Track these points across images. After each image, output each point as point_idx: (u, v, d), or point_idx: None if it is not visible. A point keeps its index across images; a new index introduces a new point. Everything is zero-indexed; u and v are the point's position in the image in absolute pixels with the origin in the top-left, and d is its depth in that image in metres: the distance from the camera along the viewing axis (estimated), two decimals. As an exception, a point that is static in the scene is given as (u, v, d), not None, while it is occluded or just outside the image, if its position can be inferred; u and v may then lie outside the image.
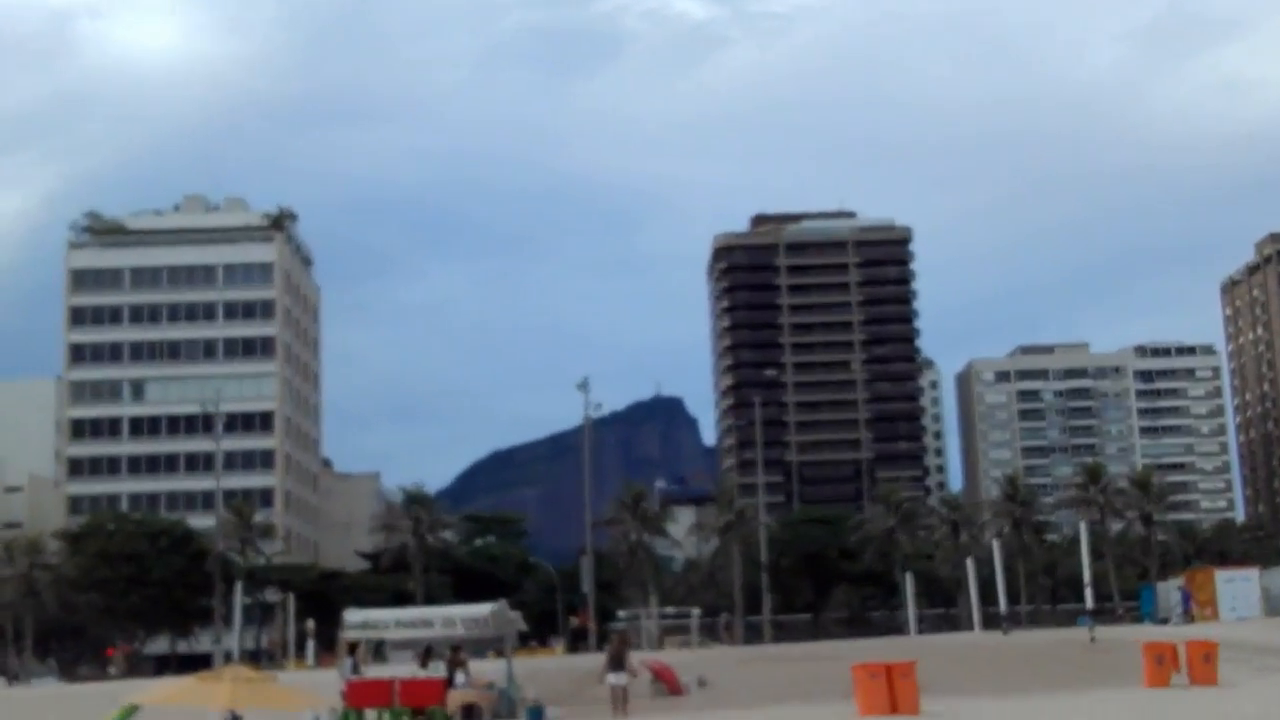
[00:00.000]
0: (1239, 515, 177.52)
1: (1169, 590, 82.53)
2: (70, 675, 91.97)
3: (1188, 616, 73.49)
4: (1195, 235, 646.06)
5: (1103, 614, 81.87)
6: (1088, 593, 60.43)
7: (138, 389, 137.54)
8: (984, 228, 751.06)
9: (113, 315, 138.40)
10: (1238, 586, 75.90)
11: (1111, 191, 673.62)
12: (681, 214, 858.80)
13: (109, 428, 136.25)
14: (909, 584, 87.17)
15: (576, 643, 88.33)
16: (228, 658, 77.62)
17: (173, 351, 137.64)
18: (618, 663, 28.44)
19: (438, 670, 33.36)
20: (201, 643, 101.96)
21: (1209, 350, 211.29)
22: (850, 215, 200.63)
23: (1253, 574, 79.13)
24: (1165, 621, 74.39)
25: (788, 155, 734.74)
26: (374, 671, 34.93)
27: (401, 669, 37.10)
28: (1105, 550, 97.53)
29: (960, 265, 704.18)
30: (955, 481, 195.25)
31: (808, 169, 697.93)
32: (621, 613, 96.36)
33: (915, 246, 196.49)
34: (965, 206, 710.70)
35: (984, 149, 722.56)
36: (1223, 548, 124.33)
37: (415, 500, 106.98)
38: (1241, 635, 47.75)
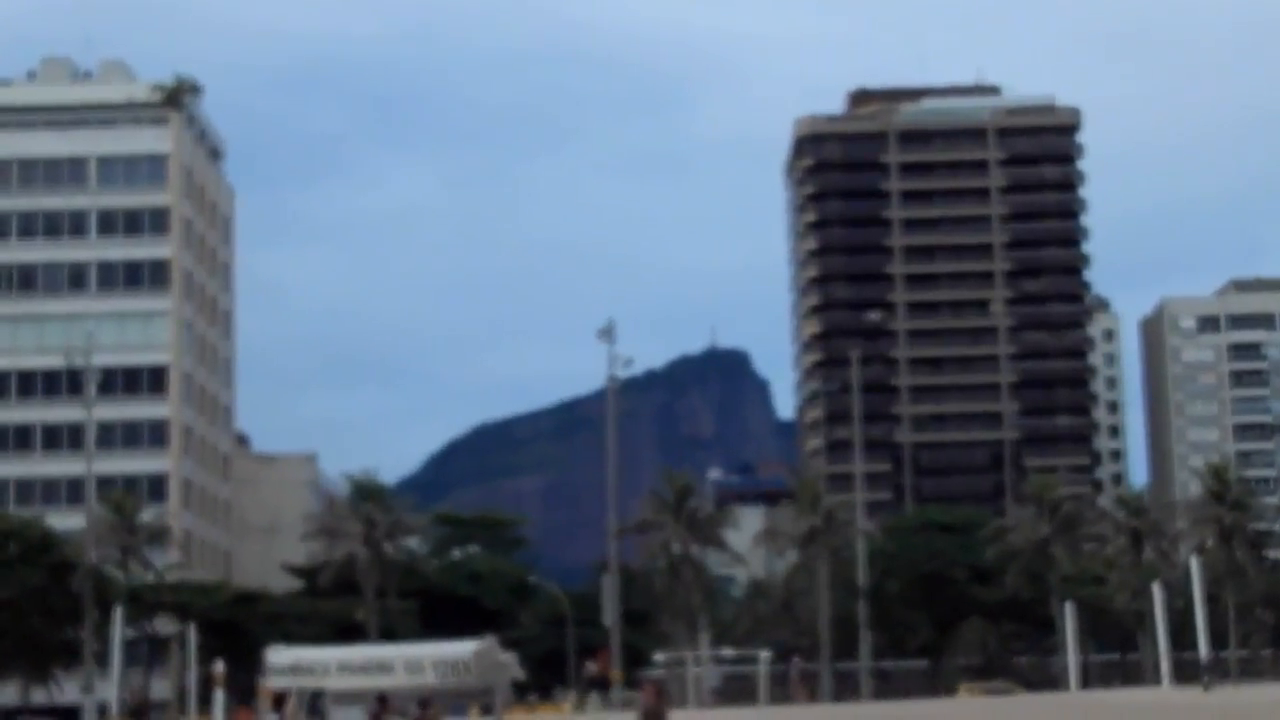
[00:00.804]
0: None
1: None
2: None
3: None
4: None
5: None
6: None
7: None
8: (1182, 110, 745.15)
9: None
10: None
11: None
12: (751, 86, 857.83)
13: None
14: (1069, 618, 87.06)
15: (594, 694, 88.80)
16: (102, 714, 78.42)
17: (25, 280, 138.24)
18: (656, 725, 28.41)
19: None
20: (66, 691, 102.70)
21: None
22: (992, 91, 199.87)
23: None
24: None
25: (903, 6, 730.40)
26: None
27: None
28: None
29: (1148, 163, 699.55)
30: (1138, 474, 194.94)
31: (931, 26, 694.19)
32: (659, 655, 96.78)
33: (1085, 136, 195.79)
34: (1155, 81, 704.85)
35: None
36: None
37: (367, 493, 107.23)
38: None
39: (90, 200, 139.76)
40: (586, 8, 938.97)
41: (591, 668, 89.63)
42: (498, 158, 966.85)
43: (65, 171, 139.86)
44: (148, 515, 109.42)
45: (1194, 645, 73.99)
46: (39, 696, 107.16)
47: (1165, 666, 76.65)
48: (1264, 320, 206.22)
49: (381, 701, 35.18)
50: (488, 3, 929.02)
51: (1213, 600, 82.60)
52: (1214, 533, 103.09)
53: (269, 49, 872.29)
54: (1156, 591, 77.88)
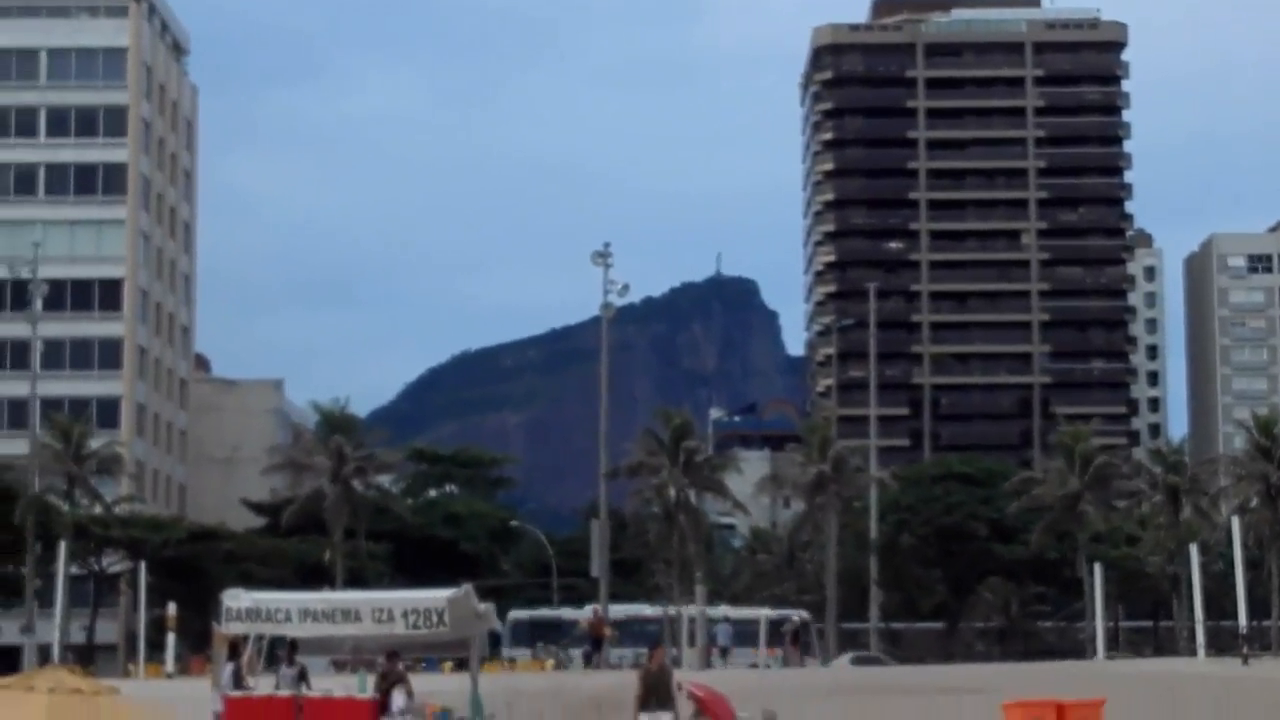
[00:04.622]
0: None
1: None
2: None
3: None
4: None
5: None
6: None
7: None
8: (1239, 31, 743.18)
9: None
10: None
11: None
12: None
13: None
14: (1098, 581, 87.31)
15: (588, 655, 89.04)
16: (44, 656, 78.67)
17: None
18: (658, 695, 28.32)
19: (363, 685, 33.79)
20: (5, 632, 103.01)
21: None
22: (1031, 2, 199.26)
23: None
24: None
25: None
26: (268, 684, 35.42)
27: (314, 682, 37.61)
28: None
29: (1200, 87, 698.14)
30: (1177, 425, 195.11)
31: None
32: (650, 609, 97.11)
33: (1131, 55, 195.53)
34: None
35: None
36: None
37: (336, 425, 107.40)
38: None
39: (39, 97, 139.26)
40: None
41: (585, 623, 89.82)
42: (490, 67, 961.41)
43: (12, 65, 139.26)
44: (97, 443, 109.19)
45: (1232, 613, 74.22)
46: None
47: (1200, 635, 76.81)
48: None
49: (393, 657, 35.22)
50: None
51: (1254, 565, 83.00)
52: (1259, 491, 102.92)
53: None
54: (1194, 554, 78.01)
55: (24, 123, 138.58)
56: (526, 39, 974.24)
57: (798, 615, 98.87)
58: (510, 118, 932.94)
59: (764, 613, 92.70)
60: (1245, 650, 68.75)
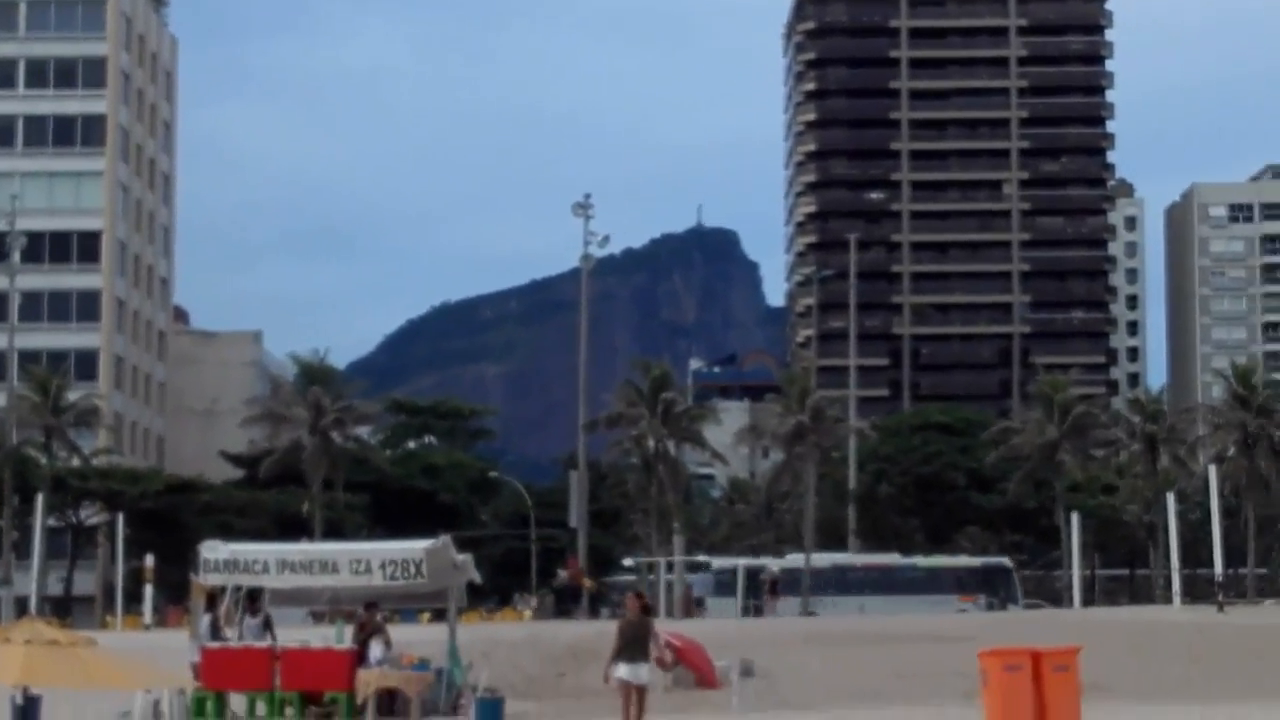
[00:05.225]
0: None
1: None
2: None
3: None
4: None
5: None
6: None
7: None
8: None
9: None
10: None
11: None
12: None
13: None
14: (1075, 530, 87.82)
15: (566, 605, 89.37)
16: (22, 608, 78.77)
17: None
18: (636, 646, 28.22)
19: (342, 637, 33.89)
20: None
21: None
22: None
23: None
24: None
25: None
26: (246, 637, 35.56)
27: (288, 634, 37.77)
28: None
29: (1183, 38, 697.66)
30: (1156, 375, 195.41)
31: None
32: (629, 560, 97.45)
33: (1114, 4, 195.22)
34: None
35: None
36: None
37: (316, 377, 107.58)
38: None
39: (17, 48, 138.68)
40: None
41: (563, 575, 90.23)
42: (474, 18, 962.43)
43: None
44: (75, 395, 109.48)
45: (1208, 562, 74.74)
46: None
47: (1176, 584, 77.39)
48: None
49: (371, 607, 35.37)
50: None
51: (1231, 514, 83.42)
52: (1236, 440, 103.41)
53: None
54: (1170, 502, 78.52)
55: (2, 74, 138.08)
56: (506, 10, 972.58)
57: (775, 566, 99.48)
58: (493, 69, 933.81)
59: (741, 562, 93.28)
60: (1221, 598, 69.24)
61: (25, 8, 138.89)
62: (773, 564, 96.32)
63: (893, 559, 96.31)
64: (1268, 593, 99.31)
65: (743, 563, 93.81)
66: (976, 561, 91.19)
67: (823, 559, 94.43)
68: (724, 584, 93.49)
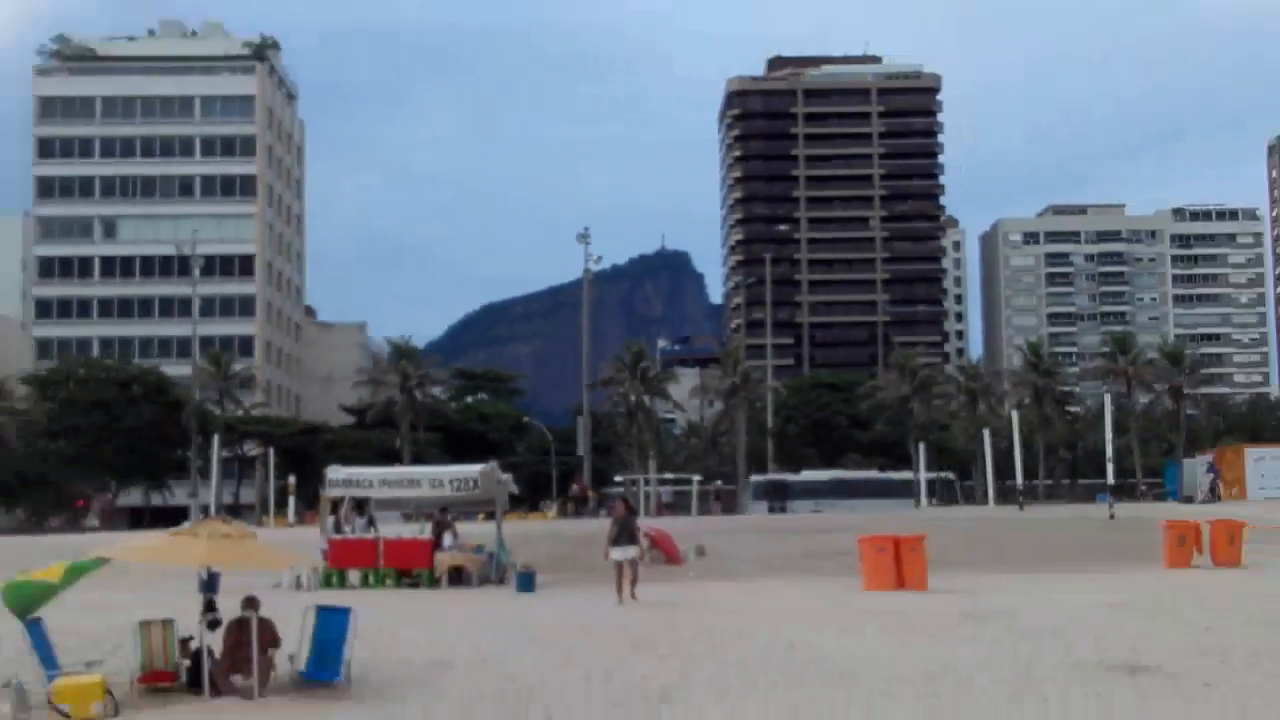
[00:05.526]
0: (1274, 390, 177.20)
1: (1196, 468, 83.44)
2: (39, 526, 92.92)
3: (1214, 495, 74.41)
4: (1243, 93, 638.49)
5: (1124, 491, 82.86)
6: (1109, 469, 60.79)
7: (109, 227, 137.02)
8: (1019, 78, 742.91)
9: (83, 148, 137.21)
10: (1269, 465, 76.66)
11: (1155, 47, 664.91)
12: (694, 56, 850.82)
13: (79, 268, 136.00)
14: (921, 455, 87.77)
15: (576, 510, 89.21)
16: (205, 512, 78.47)
17: (147, 188, 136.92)
18: (625, 535, 28.17)
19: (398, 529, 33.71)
20: (176, 496, 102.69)
21: (1251, 215, 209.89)
22: (875, 60, 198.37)
23: (1285, 453, 79.97)
24: (1190, 500, 75.36)
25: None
26: (358, 531, 35.38)
27: (387, 529, 37.57)
28: (1130, 425, 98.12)
29: (991, 118, 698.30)
30: (975, 349, 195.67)
31: (831, 9, 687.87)
32: (618, 477, 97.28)
33: (943, 96, 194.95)
34: (999, 55, 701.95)
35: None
36: (1255, 424, 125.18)
37: (403, 353, 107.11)
38: (1271, 516, 48.27)
39: (195, 129, 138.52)
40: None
41: (575, 488, 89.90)
42: (501, 105, 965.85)
43: (177, 106, 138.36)
44: (238, 366, 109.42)
45: (1013, 475, 74.69)
46: (156, 500, 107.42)
47: (991, 491, 77.40)
48: (1072, 236, 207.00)
49: (444, 511, 35.16)
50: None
51: (1027, 443, 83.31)
52: (1029, 394, 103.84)
53: (333, 13, 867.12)
54: (986, 436, 78.48)
55: (185, 146, 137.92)
56: (529, 90, 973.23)
57: (717, 484, 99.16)
58: (515, 144, 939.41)
59: (695, 479, 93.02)
60: (1021, 500, 69.24)
61: (199, 101, 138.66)
62: (789, 477, 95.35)
63: (872, 474, 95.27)
64: (1053, 497, 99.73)
65: (696, 479, 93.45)
66: (931, 475, 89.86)
67: (826, 474, 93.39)
68: (683, 493, 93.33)
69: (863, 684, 16.51)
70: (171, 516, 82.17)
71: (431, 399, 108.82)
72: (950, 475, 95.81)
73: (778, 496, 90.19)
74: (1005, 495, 79.24)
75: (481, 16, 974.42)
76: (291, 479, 79.11)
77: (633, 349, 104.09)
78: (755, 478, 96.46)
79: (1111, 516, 52.39)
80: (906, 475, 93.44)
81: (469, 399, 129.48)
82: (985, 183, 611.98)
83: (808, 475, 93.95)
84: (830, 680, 16.83)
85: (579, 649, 20.05)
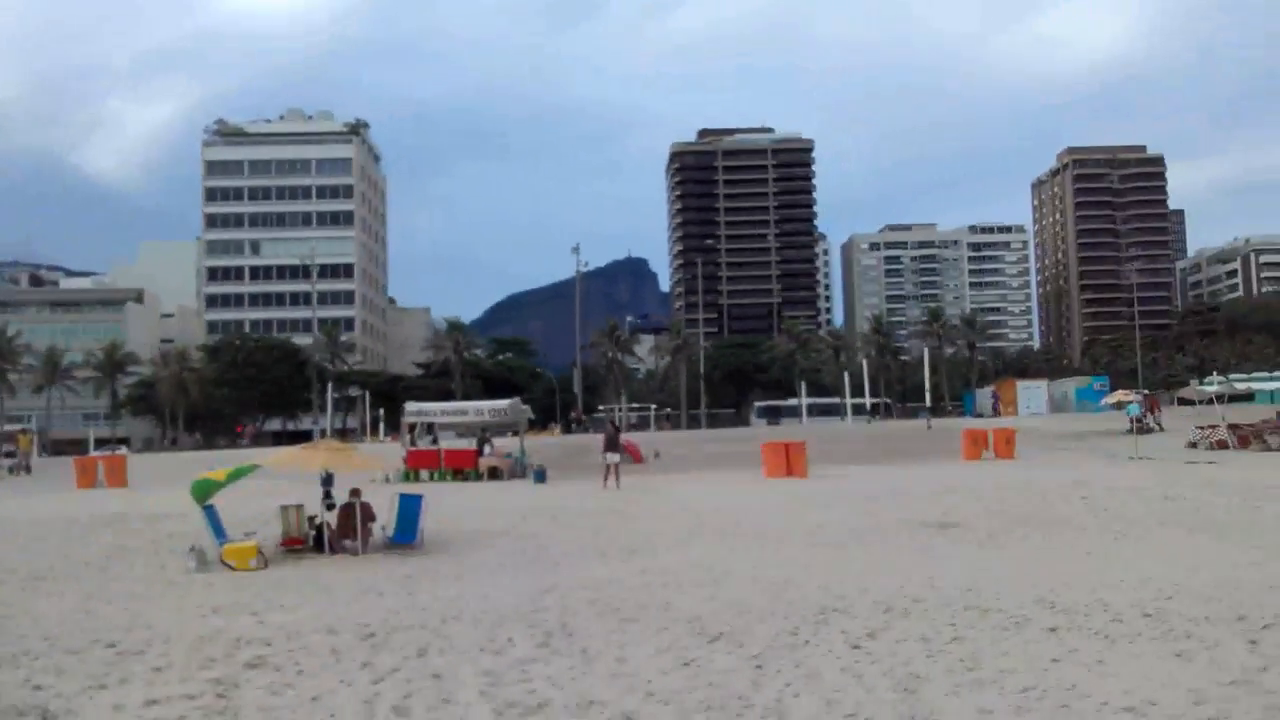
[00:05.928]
0: (1035, 344, 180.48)
1: (984, 395, 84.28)
2: (211, 445, 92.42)
3: (996, 413, 74.99)
4: (1015, 146, 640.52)
5: (938, 411, 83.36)
6: (927, 396, 61.32)
7: (255, 246, 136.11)
8: (867, 139, 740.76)
9: (236, 194, 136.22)
10: (1032, 392, 77.76)
11: (957, 115, 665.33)
12: (647, 130, 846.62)
13: (235, 273, 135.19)
14: (803, 390, 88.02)
15: (574, 428, 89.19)
16: (323, 434, 78.20)
17: (280, 220, 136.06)
18: (612, 444, 28.31)
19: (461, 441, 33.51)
20: (304, 423, 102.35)
21: (1020, 230, 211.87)
22: (769, 130, 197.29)
23: (1042, 384, 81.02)
24: (981, 416, 75.93)
25: (727, 85, 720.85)
26: (425, 444, 35.19)
27: (446, 442, 37.35)
28: (941, 367, 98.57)
29: (848, 167, 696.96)
30: (839, 319, 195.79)
31: (740, 96, 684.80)
32: (601, 407, 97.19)
33: (816, 153, 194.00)
34: (854, 126, 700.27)
35: (869, 81, 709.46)
36: (1023, 366, 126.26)
37: (455, 327, 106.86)
38: (1032, 425, 48.66)
39: (312, 180, 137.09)
40: (564, 94, 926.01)
41: (573, 414, 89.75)
42: (520, 165, 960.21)
43: (300, 166, 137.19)
44: (344, 338, 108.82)
45: (865, 402, 74.90)
46: (290, 426, 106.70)
47: (850, 411, 77.68)
48: (901, 245, 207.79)
49: (484, 430, 35.02)
50: (514, 91, 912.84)
51: (873, 380, 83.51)
52: (875, 348, 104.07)
53: (402, 105, 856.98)
54: (846, 377, 78.72)
55: (305, 192, 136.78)
56: (536, 149, 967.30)
57: (667, 410, 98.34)
58: (524, 193, 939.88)
59: (652, 408, 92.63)
60: (869, 418, 69.51)
61: (315, 162, 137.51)
62: (779, 403, 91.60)
63: (831, 400, 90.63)
64: (889, 416, 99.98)
65: (653, 408, 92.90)
66: (875, 400, 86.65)
67: (817, 401, 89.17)
68: (644, 418, 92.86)
69: (768, 536, 16.56)
70: (301, 437, 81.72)
71: (475, 358, 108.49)
72: (888, 400, 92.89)
73: (773, 416, 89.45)
74: (859, 414, 79.61)
75: (510, 108, 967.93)
76: (381, 411, 78.76)
77: (610, 323, 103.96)
78: (759, 404, 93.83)
79: (929, 427, 52.66)
80: (861, 400, 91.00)
81: (500, 358, 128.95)
82: (843, 209, 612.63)
83: (791, 401, 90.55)
84: (745, 536, 16.87)
85: (576, 520, 20.03)
